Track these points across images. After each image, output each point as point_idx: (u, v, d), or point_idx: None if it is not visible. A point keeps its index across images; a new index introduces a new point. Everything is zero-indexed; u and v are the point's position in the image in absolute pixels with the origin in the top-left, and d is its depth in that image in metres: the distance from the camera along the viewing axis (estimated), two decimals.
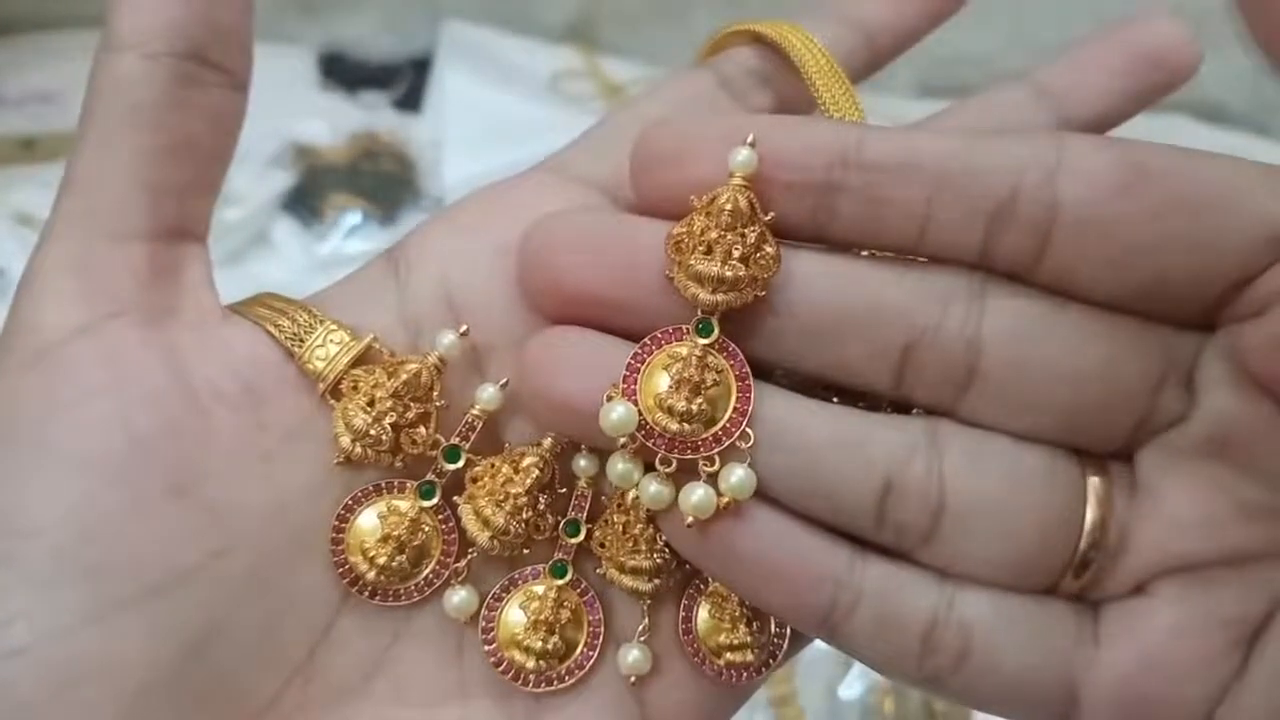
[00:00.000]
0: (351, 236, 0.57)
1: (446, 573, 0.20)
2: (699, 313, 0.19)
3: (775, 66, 0.23)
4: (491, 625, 0.20)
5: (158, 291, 0.19)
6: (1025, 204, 0.18)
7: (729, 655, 0.20)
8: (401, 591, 0.20)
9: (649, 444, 0.19)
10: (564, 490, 0.21)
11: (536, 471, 0.20)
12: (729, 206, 0.19)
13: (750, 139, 0.19)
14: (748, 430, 0.19)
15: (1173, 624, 0.18)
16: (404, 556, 0.20)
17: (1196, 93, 0.61)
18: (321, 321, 0.20)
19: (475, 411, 0.20)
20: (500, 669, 0.20)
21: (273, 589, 0.19)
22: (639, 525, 0.20)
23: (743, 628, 0.20)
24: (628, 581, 0.20)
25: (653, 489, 0.19)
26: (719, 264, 0.18)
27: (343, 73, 0.65)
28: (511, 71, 0.64)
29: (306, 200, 0.58)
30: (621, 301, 0.19)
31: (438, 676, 0.20)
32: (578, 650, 0.20)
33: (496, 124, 0.62)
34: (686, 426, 0.18)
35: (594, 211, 0.21)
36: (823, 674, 0.43)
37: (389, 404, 0.20)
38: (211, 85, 0.20)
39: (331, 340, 0.20)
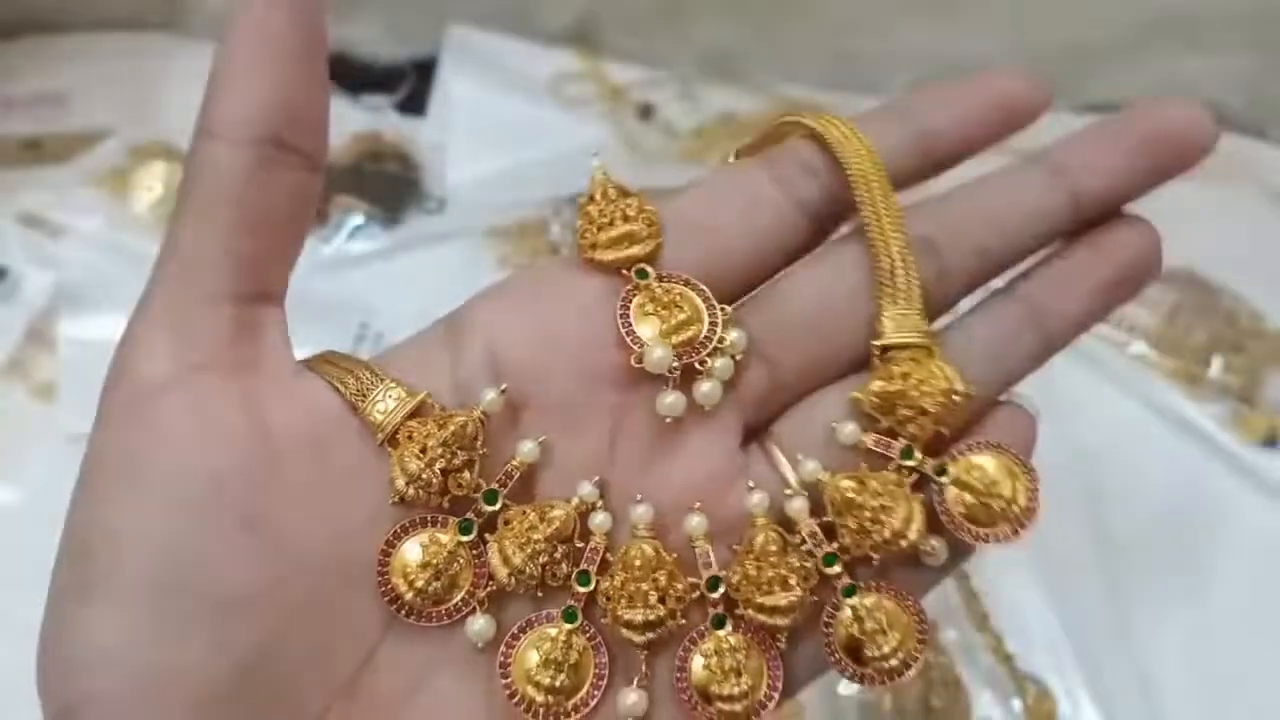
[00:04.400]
0: (355, 238, 0.57)
1: (473, 602, 0.23)
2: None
3: (828, 162, 0.25)
4: (509, 661, 0.23)
5: (241, 347, 0.22)
6: None
7: (720, 705, 0.23)
8: (433, 614, 0.23)
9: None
10: (581, 544, 0.23)
11: (558, 523, 0.23)
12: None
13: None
14: None
15: None
16: (439, 583, 0.23)
17: (1194, 94, 0.61)
18: (382, 380, 0.23)
19: (514, 462, 0.24)
20: (514, 700, 0.23)
21: (326, 612, 0.22)
22: (634, 584, 0.23)
23: (733, 679, 0.23)
24: (624, 633, 0.23)
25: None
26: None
27: (346, 75, 0.65)
28: (514, 75, 0.65)
29: None
30: None
31: (469, 699, 0.23)
32: (584, 689, 0.23)
33: (499, 127, 0.62)
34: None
35: None
36: None
37: (439, 451, 0.22)
38: (291, 166, 0.22)
39: (390, 396, 0.23)
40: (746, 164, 0.26)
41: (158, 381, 0.21)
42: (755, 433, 0.25)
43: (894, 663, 0.23)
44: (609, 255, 0.24)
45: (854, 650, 0.23)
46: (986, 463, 0.23)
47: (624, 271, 0.24)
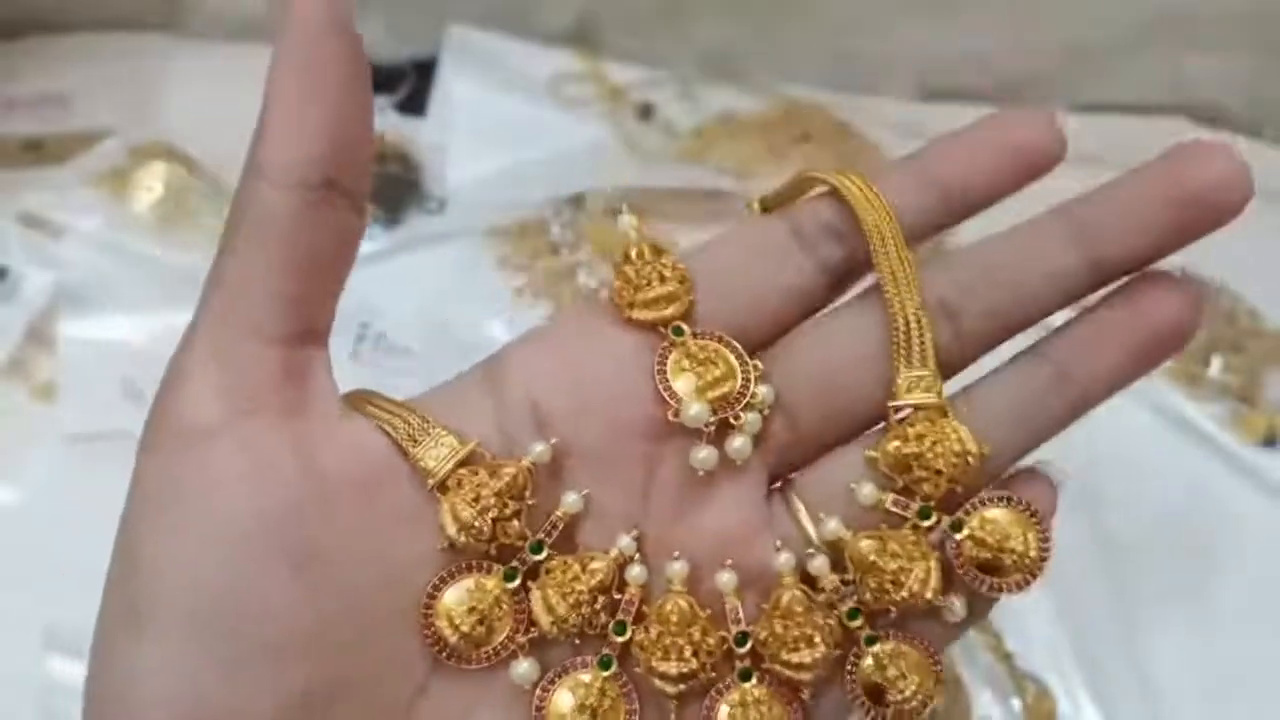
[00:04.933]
0: None
1: (514, 646, 0.24)
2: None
3: (848, 220, 0.25)
4: (544, 704, 0.24)
5: (289, 389, 0.23)
6: None
7: None
8: (474, 657, 0.24)
9: None
10: (618, 595, 0.24)
11: (600, 575, 0.24)
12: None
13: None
14: None
15: None
16: (482, 627, 0.23)
17: (1194, 95, 0.61)
18: (434, 427, 0.23)
19: (559, 513, 0.24)
20: None
21: (374, 653, 0.23)
22: (670, 638, 0.24)
23: None
24: (658, 683, 0.24)
25: None
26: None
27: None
28: (514, 75, 0.65)
29: None
30: None
31: None
32: None
33: (499, 127, 0.62)
34: None
35: None
36: None
37: (493, 501, 0.23)
38: (338, 208, 0.23)
39: (442, 443, 0.23)
40: (770, 221, 0.26)
41: (207, 423, 0.22)
42: (775, 480, 0.26)
43: (914, 703, 0.24)
44: (647, 315, 0.25)
45: (876, 694, 0.24)
46: (999, 517, 0.24)
47: (660, 328, 0.25)
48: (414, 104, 0.64)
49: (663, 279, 0.25)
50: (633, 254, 0.25)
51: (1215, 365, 0.53)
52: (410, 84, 0.65)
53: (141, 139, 0.59)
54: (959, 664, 0.45)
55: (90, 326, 0.53)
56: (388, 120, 0.63)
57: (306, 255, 0.22)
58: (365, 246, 0.60)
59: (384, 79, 0.65)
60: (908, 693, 0.24)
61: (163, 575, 0.21)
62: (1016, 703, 0.44)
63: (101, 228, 0.55)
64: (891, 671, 0.24)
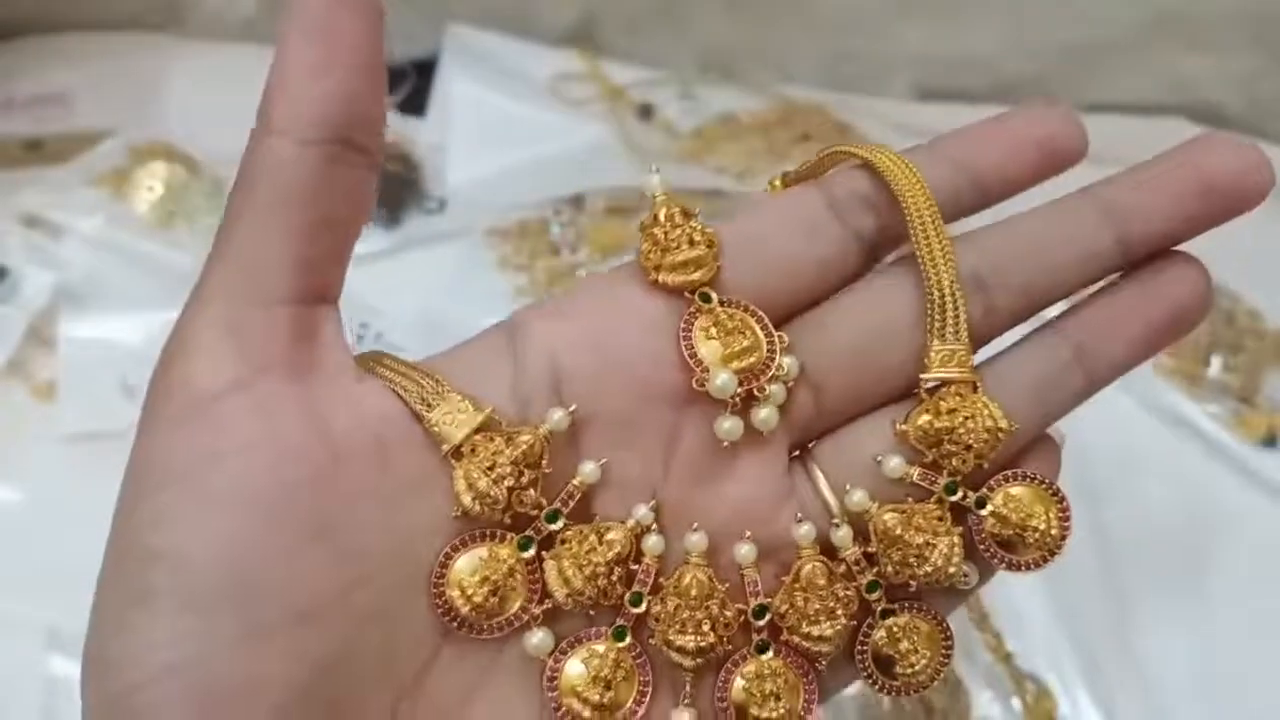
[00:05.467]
0: None
1: (526, 616, 0.24)
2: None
3: (880, 192, 0.25)
4: (556, 674, 0.24)
5: (300, 351, 0.22)
6: None
7: None
8: (486, 627, 0.23)
9: None
10: (635, 565, 0.24)
11: (618, 547, 0.24)
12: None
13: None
14: None
15: None
16: (495, 598, 0.23)
17: (1194, 94, 0.61)
18: (449, 392, 0.23)
19: (576, 483, 0.24)
20: (559, 713, 0.24)
21: (391, 619, 0.22)
22: (687, 611, 0.23)
23: (772, 702, 0.24)
24: (674, 656, 0.24)
25: None
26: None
27: None
28: (514, 75, 0.65)
29: None
30: None
31: (522, 705, 0.24)
32: (627, 704, 0.24)
33: (499, 127, 0.62)
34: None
35: None
36: None
37: (508, 469, 0.23)
38: (353, 165, 0.22)
39: (458, 409, 0.23)
40: (803, 190, 0.26)
41: (218, 388, 0.21)
42: (795, 450, 0.25)
43: (922, 677, 0.25)
44: (674, 278, 0.24)
45: (885, 665, 0.25)
46: (1022, 494, 0.24)
47: (686, 293, 0.24)
48: (414, 104, 0.65)
49: (691, 243, 0.24)
50: (661, 216, 0.25)
51: (1215, 365, 0.53)
52: (410, 84, 0.65)
53: (142, 139, 0.59)
54: (959, 664, 0.45)
55: (90, 326, 0.53)
56: (388, 120, 0.63)
57: (321, 215, 0.22)
58: (365, 246, 0.61)
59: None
60: (918, 666, 0.24)
61: (175, 550, 0.20)
62: (1016, 703, 0.44)
63: (102, 227, 0.55)
64: (905, 645, 0.24)
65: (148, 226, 0.56)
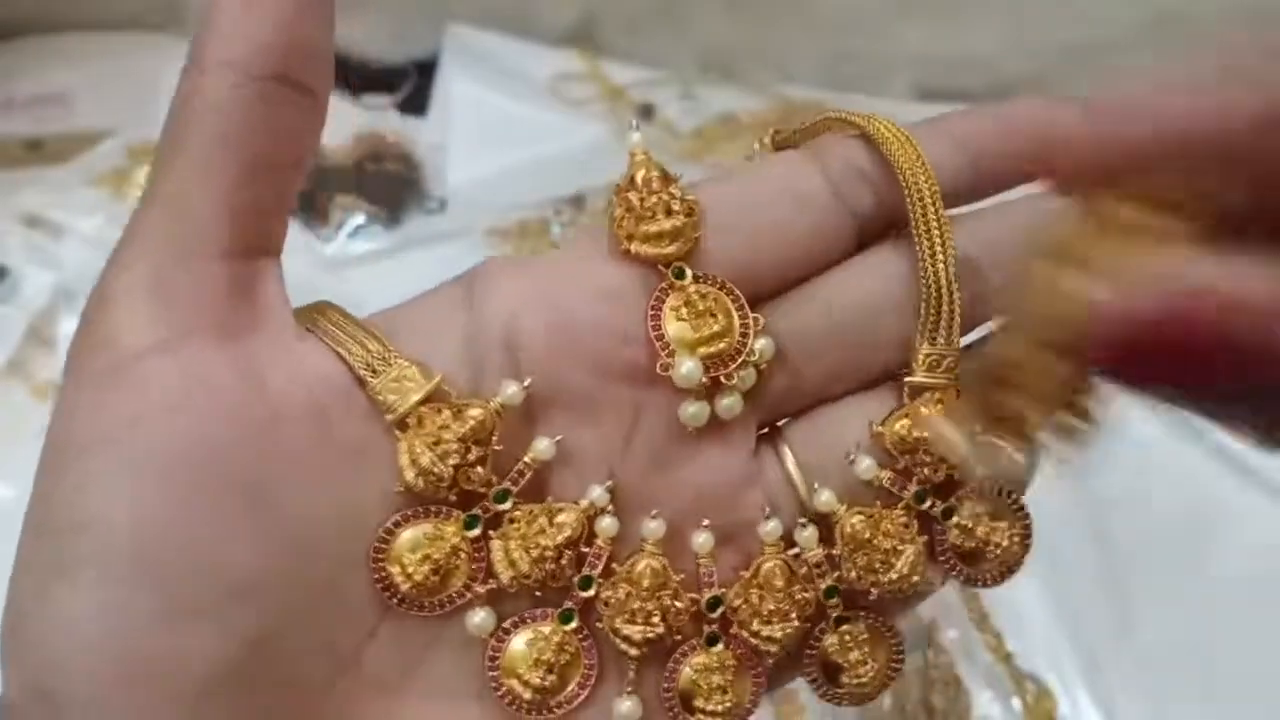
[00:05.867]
0: (356, 238, 0.58)
1: (470, 595, 0.22)
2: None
3: (879, 167, 0.23)
4: (498, 654, 0.23)
5: (236, 307, 0.20)
6: None
7: (699, 717, 0.23)
8: (427, 605, 0.22)
9: None
10: (585, 547, 0.23)
11: (568, 531, 0.22)
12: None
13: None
14: None
15: None
16: (436, 577, 0.22)
17: None
18: (395, 357, 0.21)
19: (528, 459, 0.23)
20: (499, 693, 0.23)
21: (328, 593, 0.21)
22: (638, 601, 0.23)
23: (719, 696, 0.23)
24: (620, 645, 0.23)
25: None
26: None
27: (347, 76, 0.65)
28: (515, 75, 0.65)
29: (311, 202, 0.59)
30: None
31: (460, 683, 0.23)
32: (570, 687, 0.23)
33: (500, 127, 0.62)
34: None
35: None
36: None
37: (454, 446, 0.21)
38: (295, 105, 0.20)
39: (405, 376, 0.21)
40: (795, 157, 0.24)
41: (145, 346, 0.19)
42: (765, 426, 0.24)
43: (868, 689, 0.24)
44: (647, 250, 0.22)
45: (833, 672, 0.24)
46: (986, 510, 0.24)
47: (659, 267, 0.22)
48: (415, 104, 0.65)
49: (669, 211, 0.22)
50: (638, 179, 0.23)
51: None
52: (411, 84, 0.65)
53: (142, 139, 0.59)
54: (959, 663, 0.45)
55: None
56: (389, 120, 0.63)
57: (262, 160, 0.20)
58: (366, 246, 0.61)
59: (385, 79, 0.65)
60: (865, 678, 0.24)
61: (94, 519, 0.19)
62: (1017, 703, 0.44)
63: (102, 227, 0.55)
64: (855, 655, 0.24)
65: None
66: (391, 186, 0.60)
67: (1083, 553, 0.48)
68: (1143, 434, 0.51)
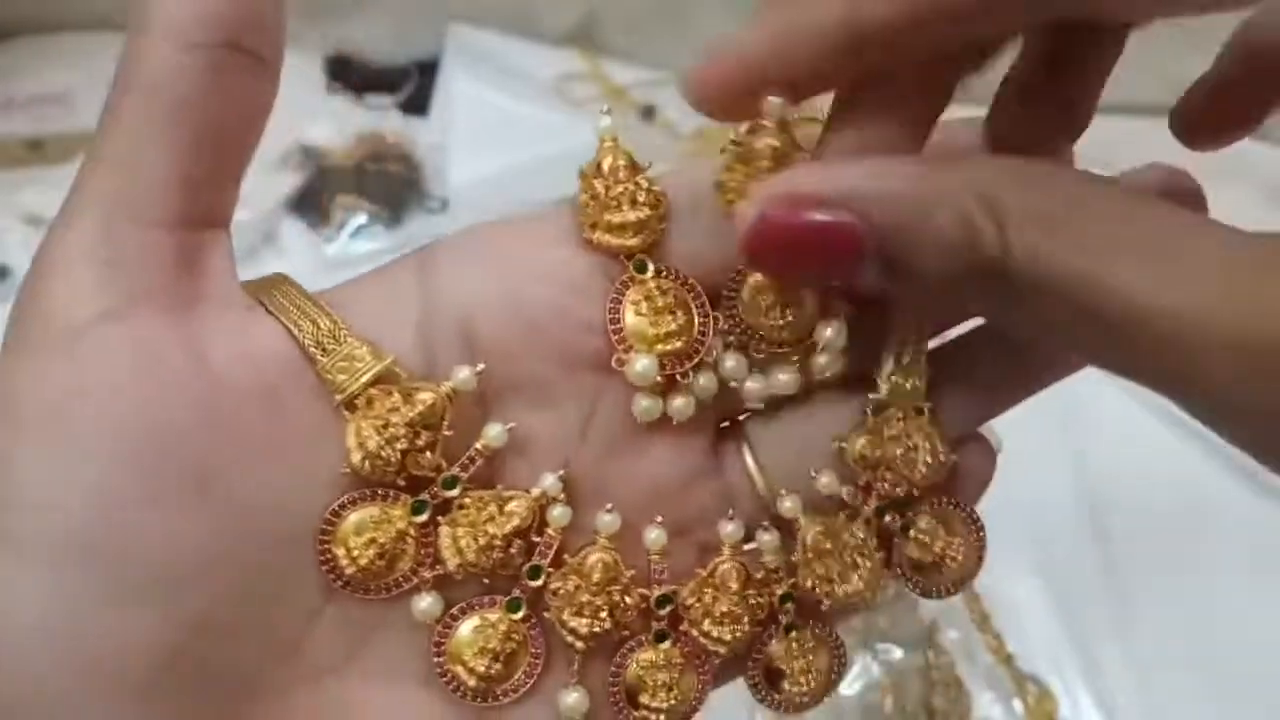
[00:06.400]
0: (357, 238, 0.58)
1: (416, 579, 0.22)
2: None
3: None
4: (444, 640, 0.22)
5: (183, 279, 0.20)
6: None
7: (645, 713, 0.23)
8: (372, 588, 0.22)
9: None
10: (536, 536, 0.23)
11: (517, 520, 0.22)
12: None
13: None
14: None
15: None
16: (382, 561, 0.21)
17: None
18: (346, 336, 0.21)
19: (479, 446, 0.22)
20: (443, 679, 0.22)
21: (271, 576, 0.20)
22: (587, 595, 0.22)
23: (664, 693, 0.23)
24: (567, 637, 0.23)
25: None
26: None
27: (349, 76, 0.65)
28: (516, 75, 0.65)
29: (313, 202, 0.59)
30: None
31: (405, 666, 0.22)
32: (516, 675, 0.23)
33: (501, 127, 0.63)
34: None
35: None
36: None
37: (402, 431, 0.21)
38: (246, 73, 0.20)
39: (355, 356, 0.21)
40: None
41: (88, 318, 0.19)
42: (725, 420, 0.24)
43: (805, 700, 0.24)
44: (610, 240, 0.22)
45: (774, 677, 0.24)
46: (944, 523, 0.24)
47: (622, 258, 0.22)
48: (416, 104, 0.65)
49: (634, 202, 0.22)
50: (605, 166, 0.23)
51: None
52: (413, 84, 0.66)
53: None
54: (960, 665, 0.45)
55: None
56: (390, 120, 0.63)
57: (211, 129, 0.20)
58: (367, 246, 0.61)
59: (387, 79, 0.65)
60: (805, 687, 0.24)
61: (36, 498, 0.18)
62: (1018, 704, 0.44)
63: None
64: (799, 664, 0.24)
65: None
66: (393, 186, 0.60)
67: (1082, 553, 0.48)
68: (1142, 434, 0.51)
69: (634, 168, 0.23)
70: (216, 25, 0.19)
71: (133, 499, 0.18)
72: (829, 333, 0.22)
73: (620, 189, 0.22)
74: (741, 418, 0.24)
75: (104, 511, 0.18)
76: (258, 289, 0.22)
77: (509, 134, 0.62)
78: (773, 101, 0.21)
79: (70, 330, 0.19)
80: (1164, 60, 0.61)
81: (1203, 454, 0.51)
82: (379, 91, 0.65)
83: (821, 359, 0.23)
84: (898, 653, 0.44)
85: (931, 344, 0.24)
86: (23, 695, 0.18)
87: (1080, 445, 0.50)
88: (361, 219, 0.58)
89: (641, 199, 0.22)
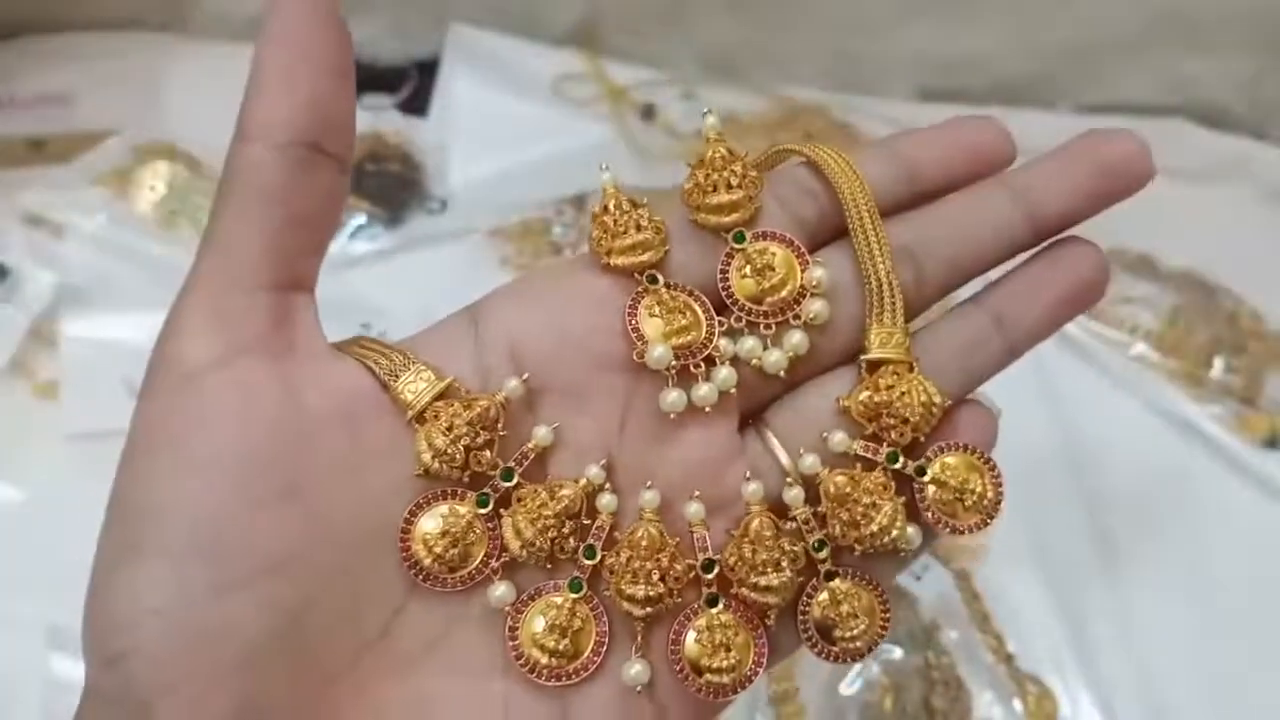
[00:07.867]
0: (357, 238, 0.58)
1: (487, 570, 0.25)
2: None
3: (824, 186, 0.27)
4: (517, 625, 0.25)
5: (278, 333, 0.24)
6: None
7: (709, 676, 0.25)
8: (449, 580, 0.25)
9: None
10: (589, 521, 0.26)
11: (567, 500, 0.25)
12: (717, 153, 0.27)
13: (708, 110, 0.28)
14: None
15: None
16: (455, 551, 0.25)
17: (1194, 94, 0.61)
18: (414, 363, 0.25)
19: (530, 445, 0.26)
20: (519, 662, 0.25)
21: (356, 574, 0.24)
22: (639, 562, 0.25)
23: (722, 653, 0.25)
24: (625, 606, 0.25)
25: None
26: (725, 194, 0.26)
27: None
28: (516, 75, 0.65)
29: None
30: None
31: (485, 656, 0.25)
32: (585, 654, 0.25)
33: (502, 127, 0.63)
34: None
35: None
36: (823, 671, 0.44)
37: (464, 430, 0.25)
38: (323, 169, 0.25)
39: (421, 377, 0.25)
40: None
41: (202, 364, 0.23)
42: (747, 418, 0.27)
43: (859, 644, 0.26)
44: (623, 260, 0.26)
45: (826, 630, 0.26)
46: (957, 463, 0.26)
47: (635, 275, 0.26)
48: (416, 104, 0.65)
49: (639, 227, 0.26)
50: (611, 205, 0.27)
51: (1217, 366, 0.53)
52: (413, 84, 0.66)
53: (144, 138, 0.59)
54: (960, 665, 0.45)
55: (92, 326, 0.53)
56: (390, 120, 0.63)
57: (295, 213, 0.24)
58: (367, 246, 0.61)
59: (386, 79, 0.65)
60: (855, 631, 0.26)
61: (160, 507, 0.22)
62: (1018, 704, 0.44)
63: (104, 227, 0.56)
64: (845, 609, 0.26)
65: (150, 226, 0.56)
66: (393, 187, 0.60)
67: (1083, 553, 0.48)
68: (1143, 434, 0.51)
69: (634, 203, 0.27)
70: (299, 130, 0.24)
71: (236, 507, 0.23)
72: (819, 273, 0.26)
73: (625, 217, 0.26)
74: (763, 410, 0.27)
75: (211, 520, 0.22)
76: (341, 345, 0.26)
77: (509, 134, 0.62)
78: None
79: (189, 376, 0.23)
80: (1164, 60, 0.62)
81: (1204, 455, 0.51)
82: (378, 91, 0.65)
83: (815, 305, 0.26)
84: (898, 653, 0.45)
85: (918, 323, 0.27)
86: (146, 673, 0.22)
87: (1081, 445, 0.50)
88: (361, 219, 0.58)
89: (644, 224, 0.26)
